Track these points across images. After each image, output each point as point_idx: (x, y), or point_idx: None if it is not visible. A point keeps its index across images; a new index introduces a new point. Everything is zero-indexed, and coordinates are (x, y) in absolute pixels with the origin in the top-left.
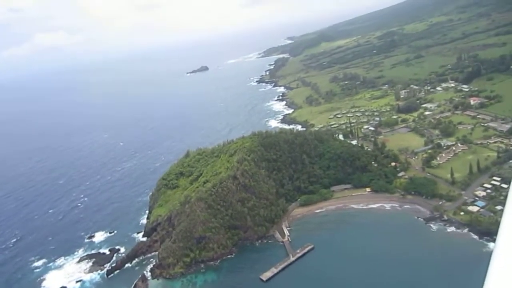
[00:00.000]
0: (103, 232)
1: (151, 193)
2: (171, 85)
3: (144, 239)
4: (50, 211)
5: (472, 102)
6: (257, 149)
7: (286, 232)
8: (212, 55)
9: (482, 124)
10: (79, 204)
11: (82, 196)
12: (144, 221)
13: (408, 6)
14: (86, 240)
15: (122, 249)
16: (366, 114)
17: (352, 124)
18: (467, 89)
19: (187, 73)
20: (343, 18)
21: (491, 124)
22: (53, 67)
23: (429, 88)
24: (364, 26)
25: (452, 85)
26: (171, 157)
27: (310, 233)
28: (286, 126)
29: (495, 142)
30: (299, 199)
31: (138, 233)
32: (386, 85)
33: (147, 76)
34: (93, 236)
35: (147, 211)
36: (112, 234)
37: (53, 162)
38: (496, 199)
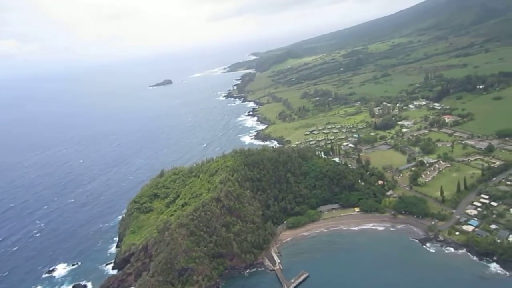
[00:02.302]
0: (65, 264)
1: (120, 218)
2: (136, 98)
3: (115, 272)
4: (0, 239)
5: (446, 120)
6: (240, 168)
7: (277, 259)
8: (176, 68)
9: (460, 141)
10: (36, 232)
11: (39, 222)
12: (113, 250)
13: (369, 28)
14: (45, 275)
15: (89, 285)
16: (343, 130)
17: (331, 141)
18: (439, 107)
19: (150, 86)
20: (306, 37)
21: (468, 141)
22: (3, 75)
23: (401, 105)
24: (328, 45)
25: (424, 103)
26: (142, 176)
27: (303, 258)
28: (261, 142)
29: (475, 160)
30: (286, 221)
31: (107, 264)
32: (358, 102)
33: (109, 88)
34: (54, 270)
35: (116, 239)
36: (76, 266)
37: (6, 181)
38: (488, 218)
